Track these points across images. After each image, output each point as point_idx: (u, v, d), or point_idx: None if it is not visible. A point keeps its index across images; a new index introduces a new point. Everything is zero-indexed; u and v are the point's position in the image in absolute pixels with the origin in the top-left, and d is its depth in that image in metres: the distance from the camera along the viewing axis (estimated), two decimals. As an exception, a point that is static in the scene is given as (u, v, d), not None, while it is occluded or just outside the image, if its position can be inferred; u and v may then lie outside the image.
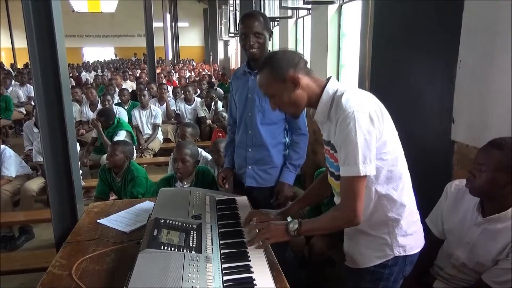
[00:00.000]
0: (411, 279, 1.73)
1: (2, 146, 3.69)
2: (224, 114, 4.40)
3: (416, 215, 1.47)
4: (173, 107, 6.33)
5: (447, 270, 1.74)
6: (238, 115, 2.28)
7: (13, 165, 3.67)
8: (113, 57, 22.24)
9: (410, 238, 1.42)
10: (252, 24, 2.07)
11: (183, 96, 6.37)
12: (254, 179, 2.22)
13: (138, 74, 11.07)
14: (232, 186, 2.42)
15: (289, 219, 1.50)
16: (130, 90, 7.03)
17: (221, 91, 7.95)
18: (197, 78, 10.42)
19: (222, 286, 1.25)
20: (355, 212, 1.30)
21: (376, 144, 1.29)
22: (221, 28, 15.76)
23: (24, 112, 8.13)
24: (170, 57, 19.00)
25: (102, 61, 19.07)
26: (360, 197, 1.29)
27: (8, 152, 3.68)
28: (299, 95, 1.37)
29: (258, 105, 2.15)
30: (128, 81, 9.72)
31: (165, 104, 6.19)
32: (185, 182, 2.67)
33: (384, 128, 1.31)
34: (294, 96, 1.37)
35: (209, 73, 12.36)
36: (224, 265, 1.37)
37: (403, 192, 1.40)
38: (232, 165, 2.37)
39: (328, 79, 1.41)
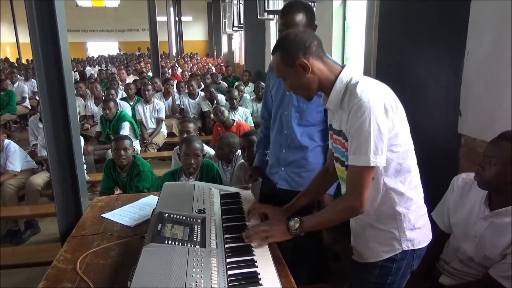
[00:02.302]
0: (417, 274, 1.72)
1: (7, 141, 3.71)
2: (223, 108, 4.33)
3: (424, 209, 1.46)
4: (177, 102, 6.32)
5: (453, 264, 1.72)
6: (273, 112, 2.15)
7: (18, 160, 3.68)
8: (117, 52, 22.24)
9: (418, 232, 1.41)
10: (291, 21, 1.86)
11: (186, 90, 6.36)
12: (286, 181, 2.09)
13: (139, 68, 11.08)
14: (259, 186, 2.34)
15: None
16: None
17: (225, 84, 7.93)
18: (200, 72, 10.41)
19: (226, 281, 1.25)
20: (361, 201, 1.29)
21: (388, 136, 1.27)
22: (224, 22, 15.70)
23: (29, 107, 8.15)
24: (174, 51, 18.96)
25: (106, 56, 19.08)
26: (367, 188, 1.28)
27: (13, 146, 3.69)
28: (310, 79, 1.35)
29: (295, 104, 2.00)
30: (131, 75, 9.73)
31: (170, 99, 6.19)
32: (190, 176, 2.67)
33: (397, 120, 1.30)
34: (305, 80, 1.36)
35: (213, 67, 12.33)
36: (228, 260, 1.36)
37: (411, 185, 1.39)
38: (262, 164, 2.25)
39: (343, 66, 1.39)
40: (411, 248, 1.40)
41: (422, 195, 1.45)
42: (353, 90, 1.30)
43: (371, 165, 1.25)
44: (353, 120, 1.27)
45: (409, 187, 1.38)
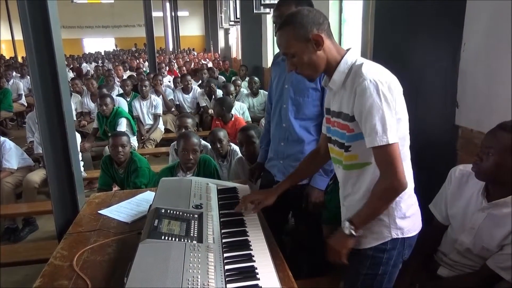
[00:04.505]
0: (415, 266, 1.73)
1: (2, 138, 3.68)
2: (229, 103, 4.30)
3: (414, 198, 1.45)
4: (171, 97, 6.29)
5: (451, 256, 1.72)
6: (273, 105, 2.17)
7: (14, 157, 3.66)
8: (114, 48, 22.14)
9: (408, 221, 1.40)
10: (283, 13, 1.85)
11: (182, 86, 6.33)
12: (283, 174, 2.09)
13: (136, 65, 11.04)
14: (259, 180, 2.35)
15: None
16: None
17: (222, 78, 7.90)
18: (193, 67, 10.38)
19: (223, 276, 1.24)
20: (399, 178, 1.25)
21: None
22: (221, 16, 15.65)
23: (26, 104, 8.12)
24: (171, 46, 18.89)
25: (103, 52, 18.99)
26: (399, 162, 1.25)
27: (8, 144, 3.66)
28: (320, 57, 1.33)
29: (292, 97, 2.01)
30: (128, 71, 9.69)
31: (161, 96, 6.15)
32: (188, 172, 2.66)
33: (399, 105, 1.29)
34: (315, 57, 1.33)
35: (210, 62, 12.31)
36: (225, 254, 1.36)
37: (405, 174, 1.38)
38: (264, 160, 2.27)
39: (348, 49, 1.38)
40: (400, 236, 1.39)
41: (413, 185, 1.44)
42: (358, 70, 1.29)
43: (391, 142, 1.23)
44: (361, 101, 1.25)
45: None
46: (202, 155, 2.79)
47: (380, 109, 1.22)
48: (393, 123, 1.24)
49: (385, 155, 1.26)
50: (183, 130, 3.32)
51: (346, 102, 1.33)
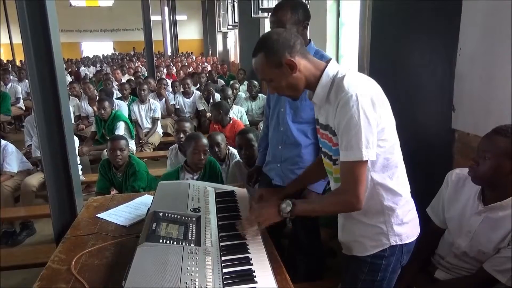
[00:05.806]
0: (412, 269, 1.74)
1: (4, 142, 3.69)
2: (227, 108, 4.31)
3: (412, 203, 1.45)
4: (172, 101, 6.30)
5: (448, 259, 1.73)
6: (271, 109, 2.19)
7: (15, 161, 3.67)
8: (112, 52, 22.16)
9: (406, 227, 1.41)
10: (281, 19, 1.89)
11: (182, 89, 6.34)
12: (281, 178, 2.11)
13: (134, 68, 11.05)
14: (257, 183, 2.37)
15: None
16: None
17: (222, 82, 7.92)
18: (191, 71, 10.39)
19: (221, 279, 1.25)
20: (357, 197, 1.27)
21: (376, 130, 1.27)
22: (219, 20, 15.69)
23: (24, 108, 8.11)
24: (169, 50, 18.92)
25: (101, 56, 19.00)
26: (362, 183, 1.27)
27: (10, 147, 3.67)
28: (297, 78, 1.33)
29: (290, 101, 2.01)
30: (126, 74, 9.70)
31: (164, 99, 6.17)
32: (194, 173, 2.67)
33: (383, 114, 1.29)
34: (292, 80, 1.33)
35: (208, 65, 12.33)
36: (223, 258, 1.36)
37: (399, 180, 1.39)
38: (262, 163, 2.28)
39: (328, 61, 1.38)
40: (399, 243, 1.39)
41: (409, 190, 1.44)
42: (339, 83, 1.29)
43: (364, 159, 1.24)
44: (341, 115, 1.25)
45: (397, 182, 1.38)
46: (208, 157, 2.80)
47: (357, 124, 1.22)
48: (371, 139, 1.24)
49: (352, 171, 1.27)
50: (181, 134, 3.32)
51: (331, 116, 1.32)
